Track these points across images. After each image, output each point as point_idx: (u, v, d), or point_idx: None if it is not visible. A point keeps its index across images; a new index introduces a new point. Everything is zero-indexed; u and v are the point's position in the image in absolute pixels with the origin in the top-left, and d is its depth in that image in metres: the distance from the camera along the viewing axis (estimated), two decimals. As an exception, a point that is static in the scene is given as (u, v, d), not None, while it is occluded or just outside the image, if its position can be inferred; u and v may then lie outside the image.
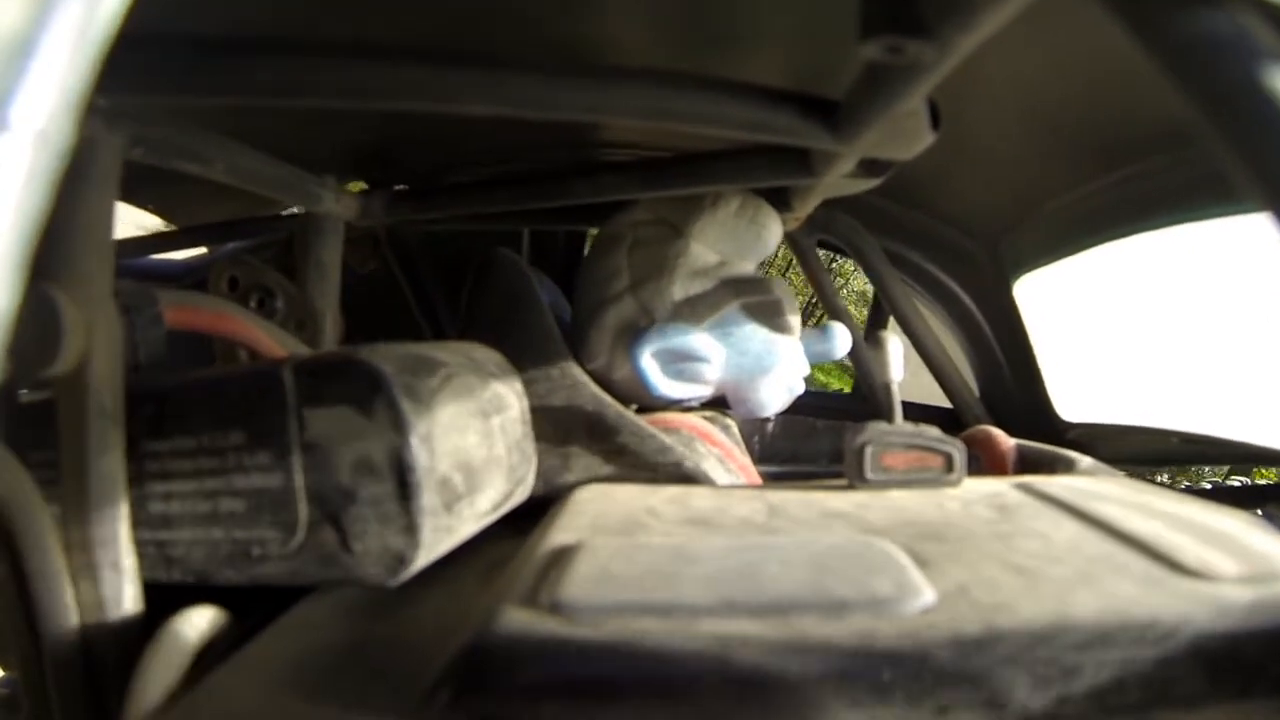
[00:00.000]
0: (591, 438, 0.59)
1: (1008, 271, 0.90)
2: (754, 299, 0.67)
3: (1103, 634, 0.28)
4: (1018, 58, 0.56)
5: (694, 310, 0.66)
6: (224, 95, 0.41)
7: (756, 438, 1.07)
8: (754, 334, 0.67)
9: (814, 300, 4.43)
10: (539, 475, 0.52)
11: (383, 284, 0.96)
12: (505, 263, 0.69)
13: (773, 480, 0.62)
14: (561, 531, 0.39)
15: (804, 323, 0.76)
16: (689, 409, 0.74)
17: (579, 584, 0.32)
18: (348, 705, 0.30)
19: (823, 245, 0.97)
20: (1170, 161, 0.65)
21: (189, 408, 0.39)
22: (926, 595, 0.31)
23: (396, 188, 0.77)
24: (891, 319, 1.00)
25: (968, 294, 0.97)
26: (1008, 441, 0.70)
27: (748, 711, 0.26)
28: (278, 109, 0.56)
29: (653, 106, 0.43)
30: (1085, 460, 0.64)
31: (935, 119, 0.45)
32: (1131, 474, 0.85)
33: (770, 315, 0.67)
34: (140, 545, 0.39)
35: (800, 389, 0.72)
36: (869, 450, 0.49)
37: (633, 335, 0.66)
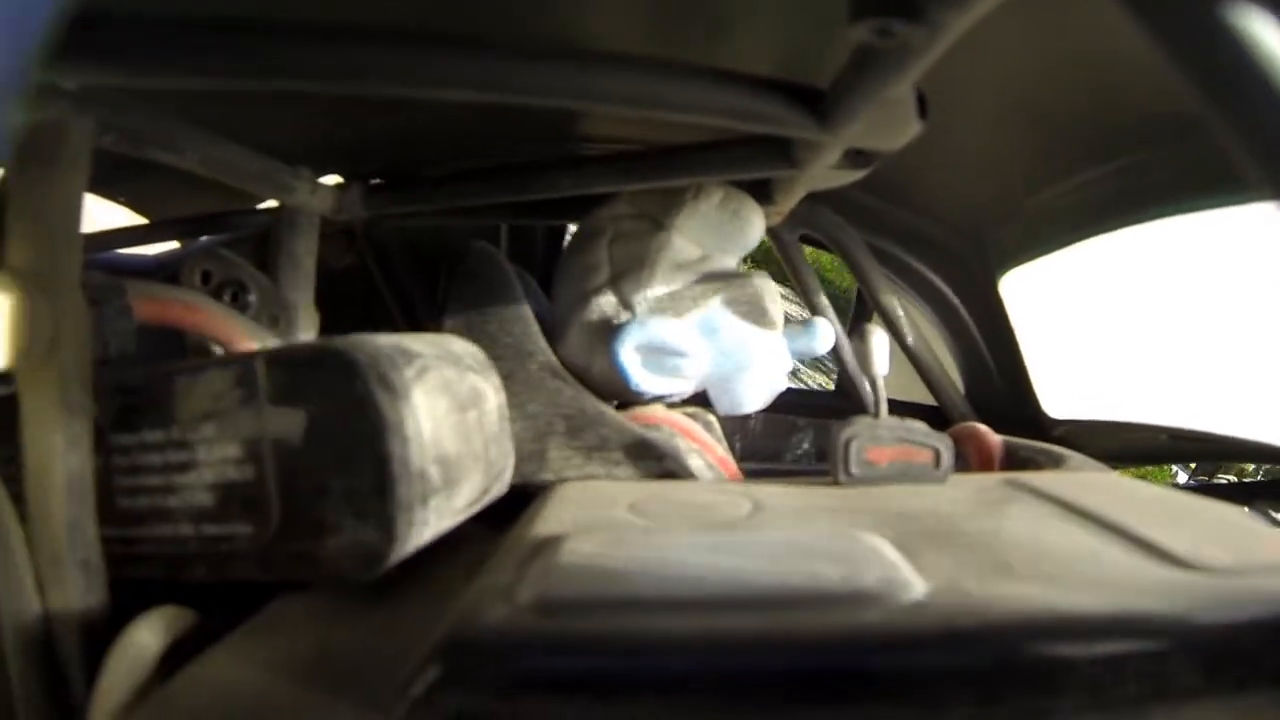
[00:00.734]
0: (571, 433, 0.59)
1: (993, 267, 0.91)
2: (736, 293, 0.67)
3: (1096, 628, 0.28)
4: (1002, 50, 0.56)
5: (675, 304, 0.66)
6: (191, 77, 0.40)
7: (738, 436, 1.07)
8: (736, 329, 0.67)
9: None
10: (518, 471, 0.52)
11: (359, 279, 0.95)
12: (482, 256, 0.68)
13: (755, 476, 0.62)
14: (541, 527, 0.39)
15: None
16: (670, 405, 0.74)
17: (558, 579, 0.32)
18: (321, 704, 0.30)
19: (806, 240, 0.97)
20: (1157, 154, 0.66)
21: (158, 400, 0.38)
22: (916, 588, 0.30)
23: (373, 181, 0.76)
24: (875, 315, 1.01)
25: (953, 290, 0.97)
26: (994, 438, 0.70)
27: (730, 707, 0.26)
28: (252, 98, 0.55)
29: (635, 93, 0.43)
30: (1073, 455, 0.64)
31: (923, 108, 0.45)
32: (1120, 471, 0.86)
33: (752, 310, 0.67)
34: (108, 542, 0.38)
35: (783, 385, 0.72)
36: (854, 445, 0.49)
37: (612, 330, 0.65)
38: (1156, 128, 0.62)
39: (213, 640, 0.36)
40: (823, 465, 0.49)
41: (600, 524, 0.40)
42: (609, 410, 0.61)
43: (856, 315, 1.11)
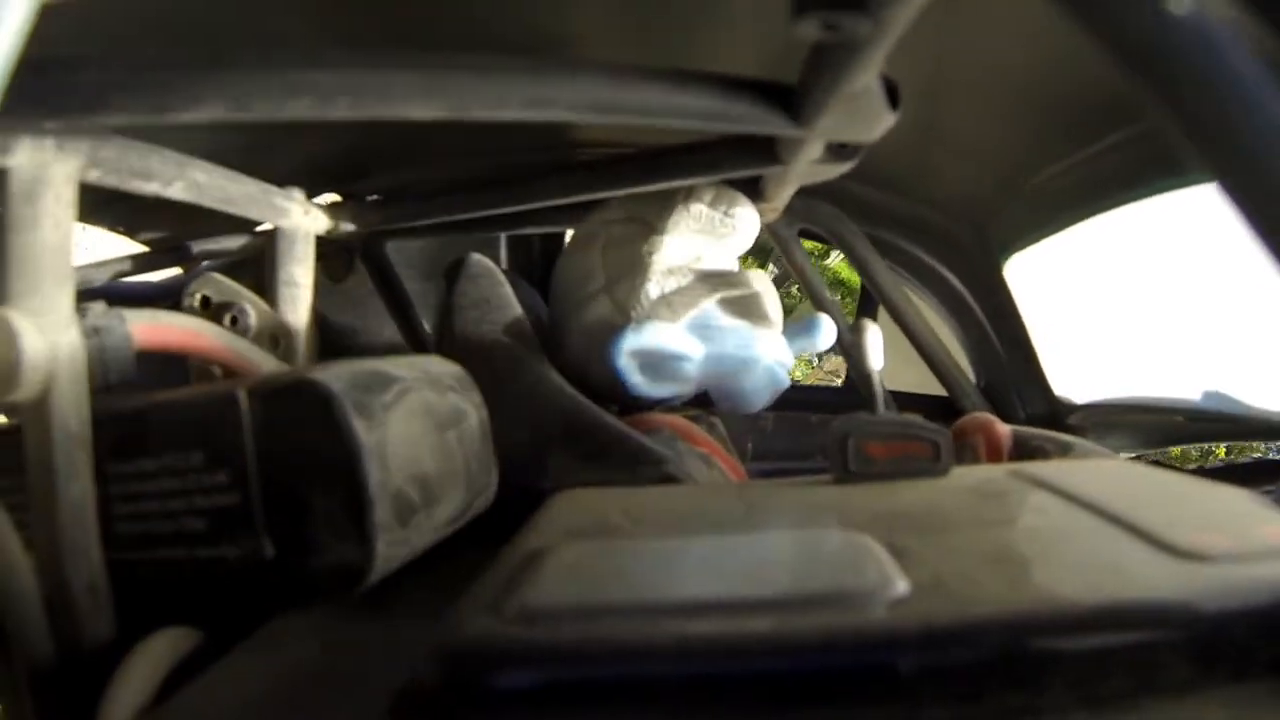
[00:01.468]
0: (569, 441, 0.59)
1: (996, 252, 0.90)
2: (732, 293, 0.68)
3: (1085, 620, 0.27)
4: (990, 33, 0.56)
5: (671, 307, 0.66)
6: (172, 113, 0.41)
7: (750, 436, 1.07)
8: (733, 329, 0.68)
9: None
10: (518, 480, 0.53)
11: (359, 296, 0.96)
12: (478, 267, 0.69)
13: (762, 477, 0.62)
14: (534, 537, 0.40)
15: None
16: (671, 408, 0.74)
17: (544, 588, 0.32)
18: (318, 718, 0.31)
19: (805, 235, 0.98)
20: (1156, 127, 0.65)
21: (151, 430, 0.39)
22: (899, 587, 0.31)
23: (368, 198, 0.78)
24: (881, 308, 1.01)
25: (957, 277, 0.97)
26: (1004, 428, 0.70)
27: (709, 713, 0.26)
28: (238, 123, 0.57)
29: (602, 102, 0.44)
30: (1081, 443, 0.64)
31: (894, 97, 0.45)
32: (1139, 456, 0.86)
33: (749, 309, 0.68)
34: (111, 566, 0.40)
35: (785, 383, 0.73)
36: (850, 441, 0.49)
37: (609, 335, 0.66)
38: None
39: (216, 658, 0.37)
40: (827, 463, 0.49)
41: (590, 531, 0.41)
42: (608, 416, 0.61)
43: (861, 309, 1.11)
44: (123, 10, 0.49)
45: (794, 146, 0.52)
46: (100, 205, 0.86)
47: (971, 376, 1.03)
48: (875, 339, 0.68)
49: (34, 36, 0.22)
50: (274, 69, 0.41)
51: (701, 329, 0.67)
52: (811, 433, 1.11)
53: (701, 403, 0.75)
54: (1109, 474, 0.46)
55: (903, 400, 1.10)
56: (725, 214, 0.68)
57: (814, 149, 0.52)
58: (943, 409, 1.01)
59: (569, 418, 0.60)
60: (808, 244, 1.03)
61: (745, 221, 0.69)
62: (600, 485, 0.56)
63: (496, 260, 0.74)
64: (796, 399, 0.79)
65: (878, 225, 0.95)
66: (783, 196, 0.71)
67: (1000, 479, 0.46)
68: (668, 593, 0.31)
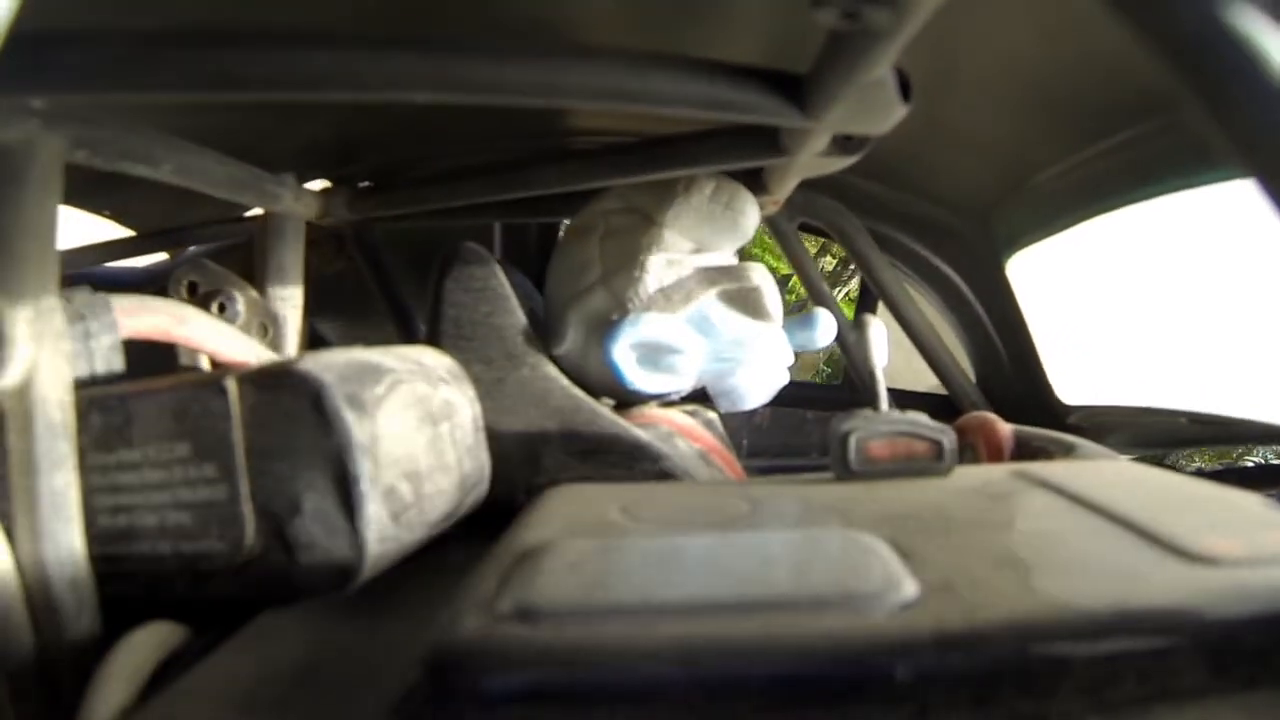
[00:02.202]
0: (565, 436, 0.59)
1: (999, 250, 0.90)
2: (731, 286, 0.67)
3: (1095, 625, 0.27)
4: (999, 27, 0.56)
5: (669, 300, 0.66)
6: (161, 91, 0.41)
7: (746, 432, 1.07)
8: (732, 323, 0.67)
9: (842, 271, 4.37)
10: (510, 477, 0.52)
11: (350, 284, 0.96)
12: (472, 256, 0.69)
13: (761, 475, 0.62)
14: (528, 533, 0.40)
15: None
16: (668, 403, 0.74)
17: (544, 586, 0.32)
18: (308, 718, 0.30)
19: (805, 229, 0.97)
20: (1163, 126, 0.65)
21: (134, 420, 0.39)
22: (908, 589, 0.30)
23: (360, 184, 0.77)
24: (881, 304, 1.01)
25: (959, 274, 0.97)
26: (1005, 427, 0.70)
27: (713, 716, 0.26)
28: (228, 105, 0.56)
29: (608, 88, 0.43)
30: (1085, 444, 0.64)
31: (906, 90, 0.45)
32: (1139, 458, 0.86)
33: (749, 303, 0.68)
34: (92, 560, 0.39)
35: (784, 379, 0.73)
36: (852, 439, 0.48)
37: (606, 328, 0.66)
38: (1159, 100, 0.62)
39: (202, 655, 0.37)
40: (827, 461, 0.49)
41: (589, 528, 0.40)
42: (604, 411, 0.61)
43: (861, 305, 1.11)
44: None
45: (799, 138, 0.51)
46: (87, 187, 0.85)
47: (971, 375, 1.03)
48: (879, 335, 0.68)
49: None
50: (267, 49, 0.41)
51: (700, 323, 0.67)
52: (808, 430, 1.11)
53: (699, 398, 0.74)
54: (1115, 476, 0.46)
55: (901, 398, 1.10)
56: (726, 206, 0.67)
57: (820, 141, 0.51)
58: (942, 407, 1.01)
59: (564, 412, 0.60)
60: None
61: (746, 214, 0.68)
62: (596, 481, 0.55)
63: (490, 249, 0.73)
64: (793, 395, 0.78)
65: (879, 220, 0.95)
66: (785, 189, 0.70)
67: (1005, 480, 0.46)
68: (669, 593, 0.31)
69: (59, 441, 0.38)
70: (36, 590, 0.37)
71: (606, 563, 0.34)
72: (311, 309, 0.73)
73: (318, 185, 0.79)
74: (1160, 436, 0.95)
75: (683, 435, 0.66)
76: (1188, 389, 0.82)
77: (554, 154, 0.67)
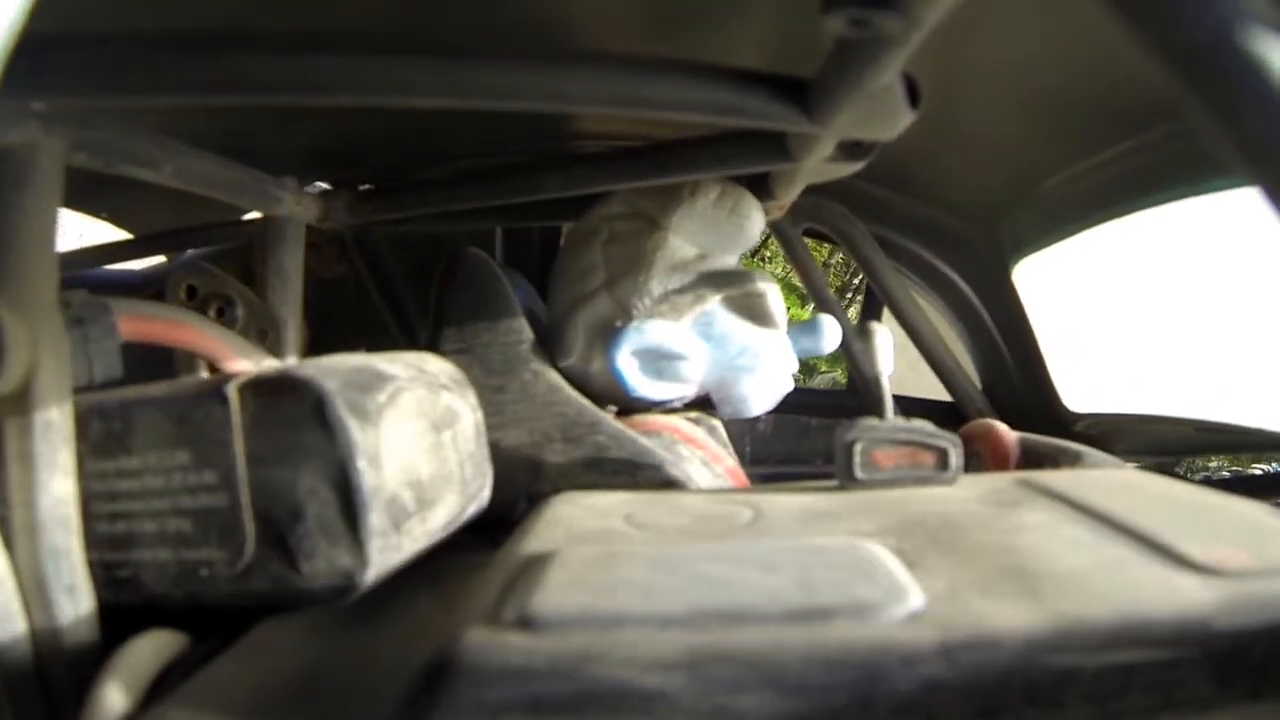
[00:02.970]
0: (567, 443, 0.59)
1: (1006, 255, 0.90)
2: (736, 292, 0.67)
3: (1102, 636, 0.27)
4: (1007, 33, 0.56)
5: (673, 306, 0.66)
6: (162, 94, 0.41)
7: (748, 438, 1.07)
8: (737, 329, 0.67)
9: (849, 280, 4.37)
10: (512, 484, 0.52)
11: (351, 288, 0.96)
12: (473, 261, 0.69)
13: (764, 482, 0.62)
14: (532, 542, 0.40)
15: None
16: (672, 410, 0.74)
17: (547, 596, 0.32)
18: None
19: (810, 234, 0.97)
20: (1169, 133, 0.65)
21: (134, 427, 0.39)
22: (914, 599, 0.30)
23: (361, 187, 0.77)
24: (886, 310, 1.01)
25: (965, 280, 0.97)
26: (1010, 435, 0.70)
27: None
28: (229, 108, 0.56)
29: (615, 93, 0.43)
30: (1092, 453, 0.64)
31: (914, 96, 0.45)
32: (1146, 466, 0.86)
33: (754, 309, 0.68)
34: (90, 567, 0.39)
35: (789, 386, 0.73)
36: (858, 448, 0.48)
37: (609, 334, 0.66)
38: (1165, 107, 0.62)
39: (202, 664, 0.37)
40: (832, 467, 0.49)
41: (592, 537, 0.40)
42: (607, 418, 0.61)
43: (865, 311, 1.11)
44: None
45: (806, 143, 0.51)
46: (87, 190, 0.86)
47: (977, 382, 1.03)
48: (886, 342, 0.68)
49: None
50: (269, 53, 0.41)
51: (704, 329, 0.67)
52: (811, 437, 1.11)
53: (702, 405, 0.74)
54: (1121, 485, 0.46)
55: (905, 405, 1.10)
56: (731, 211, 0.68)
57: (826, 146, 0.51)
58: (946, 415, 1.01)
59: (567, 419, 0.60)
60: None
61: (751, 219, 0.68)
62: (599, 489, 0.55)
63: (492, 254, 0.73)
64: (796, 402, 0.78)
65: (885, 225, 0.95)
66: (791, 194, 0.70)
67: (1010, 488, 0.46)
68: (672, 603, 0.31)
69: (58, 447, 0.38)
70: (34, 597, 0.37)
71: (609, 572, 0.34)
72: (311, 314, 0.73)
73: (318, 188, 0.79)
74: (1167, 445, 0.95)
75: (686, 442, 0.66)
76: (1194, 396, 0.82)
77: (557, 158, 0.67)
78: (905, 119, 0.46)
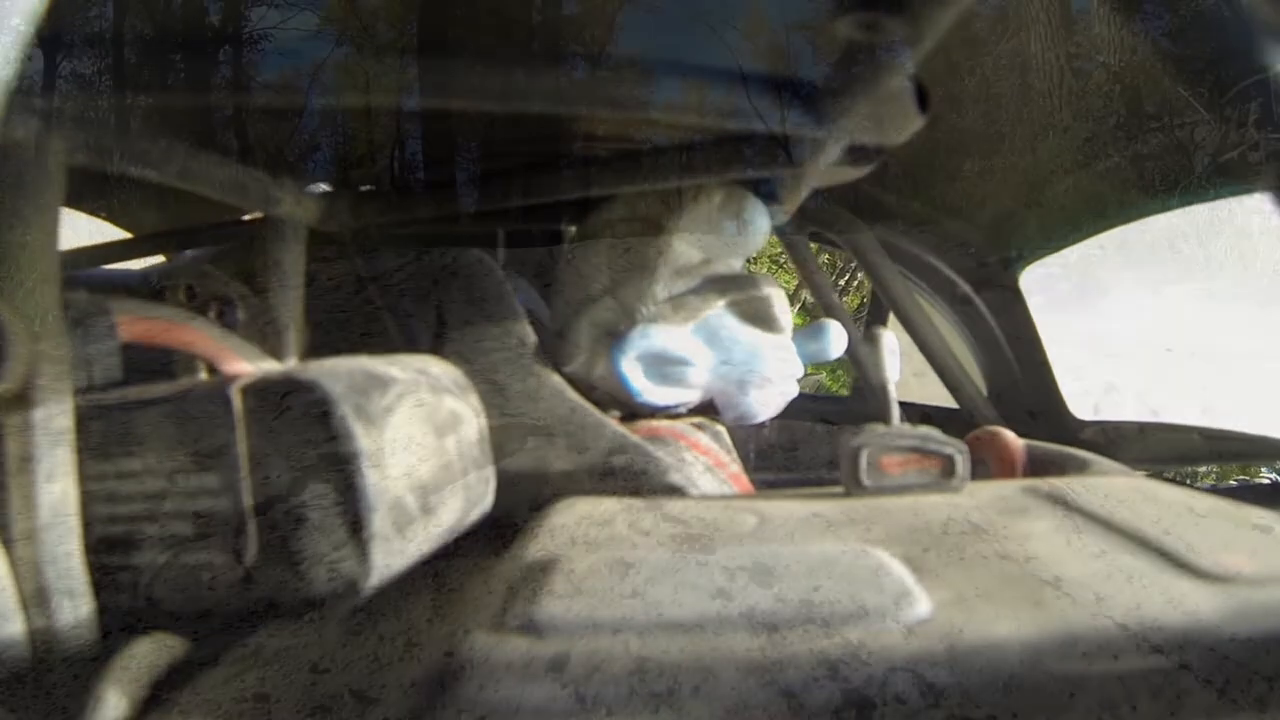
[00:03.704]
0: (571, 448, 0.59)
1: (1013, 261, 0.90)
2: (741, 297, 0.67)
3: (1108, 644, 0.27)
4: (1015, 40, 0.56)
5: (677, 311, 0.66)
6: (161, 95, 0.41)
7: (751, 444, 1.07)
8: (742, 334, 0.67)
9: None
10: (515, 489, 0.52)
11: (351, 290, 0.95)
12: (476, 266, 0.69)
13: (768, 488, 0.62)
14: (536, 547, 0.40)
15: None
16: (676, 415, 0.74)
17: (551, 601, 0.32)
18: None
19: (815, 239, 0.97)
20: (1176, 140, 0.66)
21: (135, 428, 0.39)
22: (921, 606, 0.30)
23: (362, 189, 0.77)
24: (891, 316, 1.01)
25: (972, 286, 0.97)
26: (1017, 442, 0.70)
27: None
28: (229, 110, 0.56)
29: (620, 96, 0.44)
30: (1098, 460, 0.64)
31: (923, 100, 0.45)
32: (1152, 474, 0.86)
33: (759, 314, 0.67)
34: (89, 570, 0.39)
35: (794, 392, 0.72)
36: (864, 454, 0.48)
37: (613, 338, 0.66)
38: (1173, 114, 0.62)
39: (203, 669, 0.37)
40: (838, 474, 0.49)
41: (595, 543, 0.40)
42: (610, 423, 0.61)
43: (871, 316, 1.11)
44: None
45: (813, 148, 0.52)
46: (88, 190, 0.86)
47: (983, 388, 1.03)
48: (892, 348, 0.67)
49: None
50: (270, 55, 0.41)
51: (709, 334, 0.67)
52: (816, 443, 1.11)
53: (706, 411, 0.74)
54: (1128, 492, 0.46)
55: (911, 412, 1.10)
56: (736, 215, 0.67)
57: (833, 151, 0.51)
58: (952, 422, 1.01)
59: (570, 424, 0.60)
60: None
61: (756, 224, 0.68)
62: (602, 494, 0.55)
63: (494, 257, 0.73)
64: (801, 407, 0.78)
65: (890, 229, 0.95)
66: (796, 199, 0.71)
67: (1017, 495, 0.46)
68: (676, 608, 0.31)
69: (58, 449, 0.38)
70: (33, 600, 0.37)
71: (613, 577, 0.34)
72: (311, 315, 0.73)
73: (318, 189, 0.79)
74: (1174, 452, 0.94)
75: (690, 448, 0.66)
76: (1200, 403, 0.82)
77: (561, 161, 0.67)
78: (913, 123, 0.46)
